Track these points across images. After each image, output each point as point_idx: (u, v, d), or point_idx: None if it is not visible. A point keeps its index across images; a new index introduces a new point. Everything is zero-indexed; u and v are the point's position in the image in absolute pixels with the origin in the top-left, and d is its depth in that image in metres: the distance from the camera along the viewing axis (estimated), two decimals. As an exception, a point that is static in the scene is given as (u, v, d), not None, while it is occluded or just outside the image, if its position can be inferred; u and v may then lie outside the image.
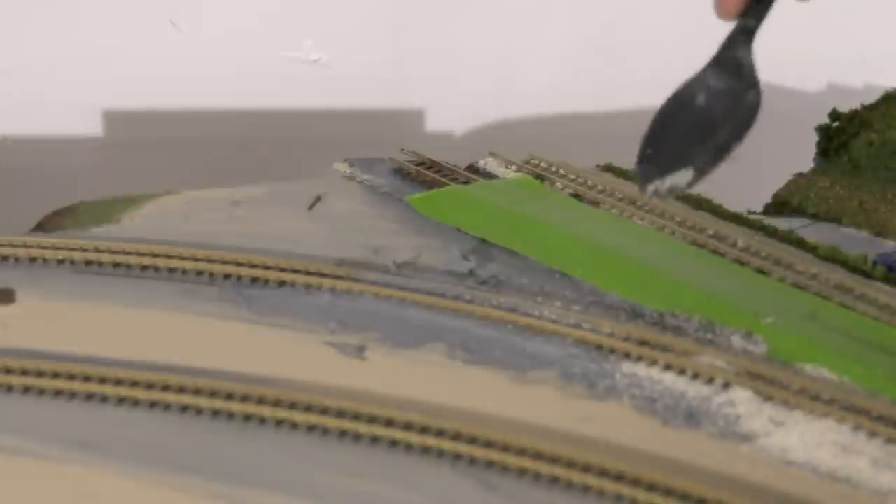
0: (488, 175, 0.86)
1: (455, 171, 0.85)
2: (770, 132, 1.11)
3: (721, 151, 0.58)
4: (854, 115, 0.95)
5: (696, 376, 0.59)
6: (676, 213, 0.79)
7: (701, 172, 0.58)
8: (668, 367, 0.60)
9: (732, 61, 0.57)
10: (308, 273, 0.67)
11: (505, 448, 0.52)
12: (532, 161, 0.87)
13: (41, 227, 0.75)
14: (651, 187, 0.59)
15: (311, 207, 0.79)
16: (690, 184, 0.59)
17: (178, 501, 0.50)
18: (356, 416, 0.54)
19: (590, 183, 0.84)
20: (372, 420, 0.54)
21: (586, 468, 0.51)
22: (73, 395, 0.56)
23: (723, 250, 0.74)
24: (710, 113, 0.58)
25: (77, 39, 1.12)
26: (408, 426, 0.54)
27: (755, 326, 0.63)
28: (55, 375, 0.56)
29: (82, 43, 1.12)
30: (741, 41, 0.56)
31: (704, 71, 0.58)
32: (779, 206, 0.99)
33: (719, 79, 0.58)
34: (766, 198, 1.01)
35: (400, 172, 0.85)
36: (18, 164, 1.13)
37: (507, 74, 1.29)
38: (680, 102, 0.59)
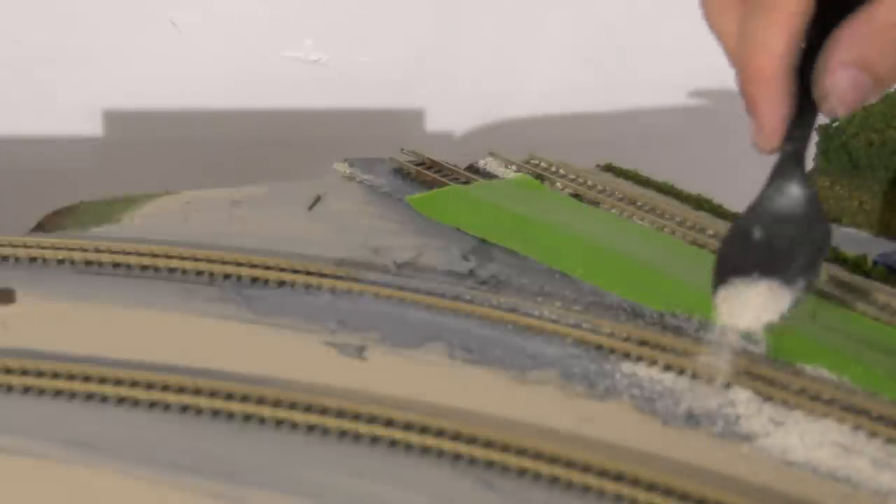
0: (488, 175, 0.86)
1: (455, 171, 0.85)
2: (770, 132, 1.11)
3: (797, 287, 0.56)
4: (854, 115, 0.95)
5: (696, 376, 0.59)
6: (676, 213, 0.79)
7: (785, 304, 0.56)
8: (668, 367, 0.60)
9: (787, 191, 0.54)
10: (308, 273, 0.67)
11: (505, 448, 0.52)
12: (532, 161, 0.87)
13: (41, 227, 0.75)
14: (740, 322, 0.57)
15: (311, 207, 0.79)
16: (778, 316, 0.57)
17: (178, 501, 0.50)
18: (356, 416, 0.54)
19: (590, 183, 0.84)
20: (372, 420, 0.54)
21: (586, 468, 0.51)
22: (73, 395, 0.56)
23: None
24: (773, 246, 0.55)
25: (77, 39, 1.12)
26: (408, 426, 0.54)
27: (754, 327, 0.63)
28: (55, 375, 0.56)
29: (82, 43, 1.12)
30: (792, 168, 0.53)
31: (759, 201, 0.55)
32: (779, 206, 0.99)
33: (777, 209, 0.54)
34: (766, 198, 1.01)
35: (400, 172, 0.85)
36: (18, 164, 1.13)
37: (507, 74, 1.29)
38: (740, 237, 0.56)
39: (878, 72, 0.48)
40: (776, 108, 0.50)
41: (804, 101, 0.51)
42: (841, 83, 0.48)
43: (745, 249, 0.56)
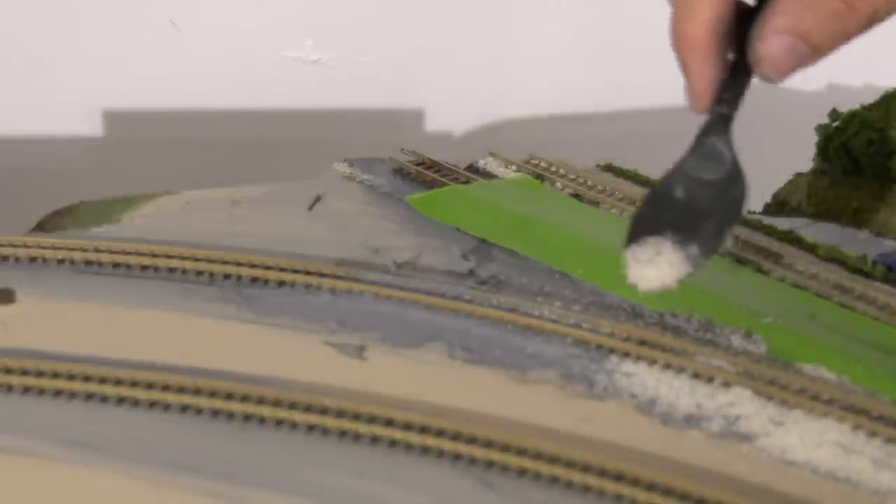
0: (488, 175, 0.86)
1: (455, 171, 0.85)
2: (770, 132, 1.11)
3: (707, 246, 0.56)
4: (854, 115, 0.95)
5: (696, 376, 0.59)
6: (676, 213, 0.79)
7: (692, 264, 0.57)
8: (667, 367, 0.60)
9: (711, 151, 0.56)
10: (308, 273, 0.67)
11: (505, 448, 0.52)
12: (532, 161, 0.88)
13: (41, 227, 0.75)
14: (650, 282, 0.58)
15: (311, 207, 0.79)
16: (680, 276, 0.57)
17: (178, 501, 0.50)
18: (356, 416, 0.54)
19: (590, 183, 0.84)
20: (372, 420, 0.54)
21: (586, 468, 0.51)
22: (73, 395, 0.56)
23: (723, 250, 0.74)
24: (692, 207, 0.57)
25: (77, 39, 1.12)
26: (408, 426, 0.54)
27: (755, 326, 0.63)
28: (55, 375, 0.56)
29: (82, 43, 1.12)
30: (718, 130, 0.54)
31: (682, 162, 0.56)
32: (779, 205, 0.99)
33: (699, 170, 0.56)
34: (766, 198, 1.01)
35: (400, 172, 0.85)
36: (18, 164, 1.13)
37: (507, 74, 1.29)
38: (660, 196, 0.57)
39: (813, 40, 0.49)
40: (705, 71, 0.52)
41: (740, 65, 0.52)
42: (775, 50, 0.50)
43: (663, 209, 0.57)
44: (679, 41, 0.52)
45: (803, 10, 0.49)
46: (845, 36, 0.49)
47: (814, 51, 0.50)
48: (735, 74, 0.53)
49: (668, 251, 0.57)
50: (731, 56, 0.53)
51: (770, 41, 0.50)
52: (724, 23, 0.51)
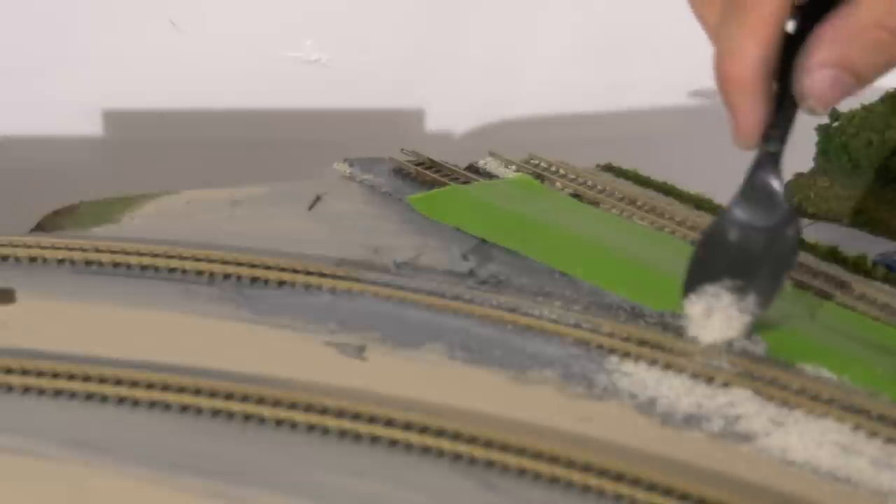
0: (488, 175, 0.86)
1: (455, 171, 0.85)
2: (770, 132, 1.11)
3: (768, 289, 0.56)
4: (854, 115, 0.95)
5: (696, 376, 0.59)
6: (676, 213, 0.79)
7: (755, 310, 0.56)
8: (667, 367, 0.60)
9: (762, 191, 0.54)
10: (308, 273, 0.67)
11: (505, 448, 0.52)
12: (532, 161, 0.88)
13: (41, 227, 0.75)
14: (711, 335, 0.57)
15: (311, 207, 0.79)
16: (745, 327, 0.57)
17: (178, 501, 0.50)
18: (356, 416, 0.54)
19: (590, 183, 0.84)
20: (372, 420, 0.54)
21: (586, 468, 0.51)
22: (73, 395, 0.56)
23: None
24: (747, 250, 0.56)
25: (77, 39, 1.12)
26: (408, 426, 0.54)
27: (755, 326, 0.63)
28: (55, 375, 0.56)
29: (82, 43, 1.12)
30: (768, 168, 0.54)
31: (733, 204, 0.56)
32: (779, 205, 0.99)
33: (750, 213, 0.55)
34: (766, 198, 1.01)
35: (400, 172, 0.85)
36: (18, 164, 1.13)
37: (507, 74, 1.29)
38: (713, 240, 0.56)
39: (858, 71, 0.49)
40: (752, 110, 0.51)
41: (784, 98, 0.51)
42: (820, 83, 0.49)
43: (718, 253, 0.57)
44: (725, 81, 0.50)
45: (848, 42, 0.48)
46: (891, 65, 0.49)
47: (859, 81, 0.49)
48: (780, 109, 0.52)
49: (726, 303, 0.57)
50: (774, 87, 0.52)
51: (816, 75, 0.49)
52: (772, 60, 0.50)
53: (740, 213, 0.55)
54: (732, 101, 0.51)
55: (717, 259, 0.57)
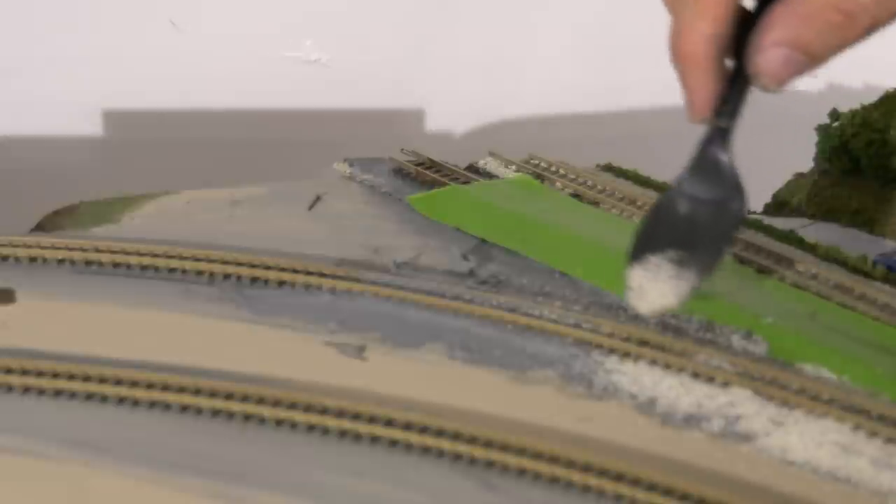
0: (488, 175, 0.86)
1: (455, 171, 0.85)
2: (770, 132, 1.11)
3: (709, 262, 0.56)
4: (854, 115, 0.95)
5: (696, 376, 0.59)
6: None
7: (694, 282, 0.57)
8: (668, 367, 0.60)
9: (710, 165, 0.55)
10: (308, 273, 0.67)
11: (505, 448, 0.52)
12: (532, 161, 0.87)
13: (41, 227, 0.75)
14: (649, 305, 0.58)
15: (311, 207, 0.79)
16: (682, 296, 0.57)
17: (178, 501, 0.50)
18: (356, 416, 0.54)
19: (590, 183, 0.84)
20: (372, 420, 0.54)
21: (586, 468, 0.51)
22: (73, 395, 0.56)
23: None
24: (693, 222, 0.56)
25: (77, 39, 1.12)
26: (408, 426, 0.54)
27: (755, 326, 0.63)
28: (55, 375, 0.56)
29: (82, 43, 1.12)
30: (718, 143, 0.54)
31: (681, 178, 0.56)
32: (779, 206, 0.99)
33: (698, 186, 0.56)
34: (766, 198, 1.01)
35: (400, 172, 0.85)
36: (18, 164, 1.13)
37: (507, 74, 1.29)
38: (661, 212, 0.57)
39: (811, 51, 0.49)
40: (704, 85, 0.52)
41: (738, 75, 0.52)
42: (773, 62, 0.50)
43: (665, 225, 0.57)
44: (678, 56, 0.52)
45: (801, 23, 0.49)
46: (844, 46, 0.50)
47: (812, 60, 0.50)
48: (733, 85, 0.53)
49: (667, 272, 0.57)
50: (729, 63, 0.53)
51: (768, 53, 0.50)
52: (724, 38, 0.51)
53: (688, 186, 0.56)
54: (685, 77, 0.52)
55: (662, 231, 0.57)
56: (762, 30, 0.50)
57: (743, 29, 0.51)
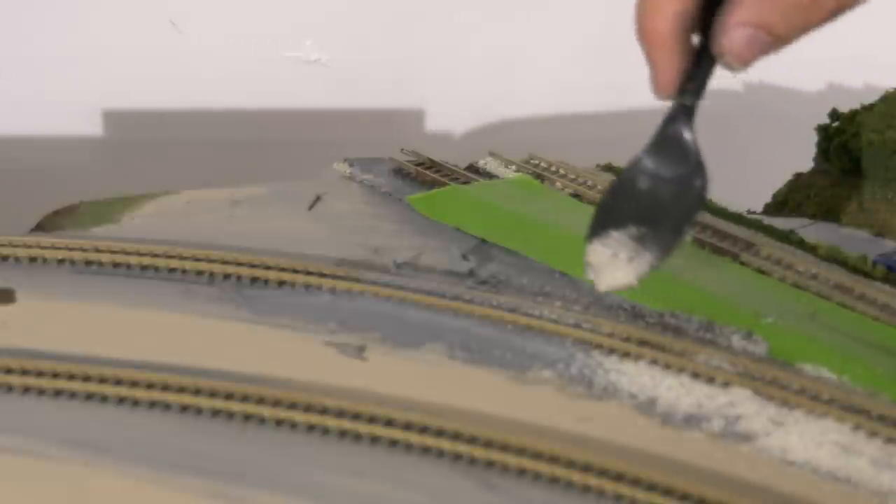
0: (488, 175, 0.86)
1: (455, 171, 0.85)
2: (770, 132, 1.11)
3: (670, 240, 0.56)
4: (854, 115, 0.95)
5: (696, 376, 0.59)
6: (676, 213, 0.79)
7: (654, 260, 0.57)
8: (668, 367, 0.60)
9: (673, 142, 0.56)
10: (308, 273, 0.67)
11: (505, 448, 0.52)
12: (532, 161, 0.87)
13: (41, 227, 0.75)
14: (607, 282, 0.58)
15: (311, 207, 0.79)
16: (642, 274, 0.57)
17: (178, 501, 0.50)
18: (356, 416, 0.54)
19: (590, 183, 0.84)
20: (372, 420, 0.54)
21: (586, 468, 0.51)
22: (73, 395, 0.56)
23: (723, 250, 0.74)
24: (655, 198, 0.56)
25: (77, 39, 1.12)
26: (408, 426, 0.54)
27: (755, 326, 0.63)
28: (55, 375, 0.56)
29: (82, 43, 1.12)
30: (681, 120, 0.55)
31: (644, 154, 0.56)
32: (779, 206, 0.99)
33: (661, 163, 0.56)
34: (766, 198, 1.01)
35: (400, 172, 0.85)
36: (18, 164, 1.13)
37: (507, 74, 1.29)
38: (623, 187, 0.57)
39: (776, 32, 0.50)
40: (669, 64, 0.52)
41: (704, 53, 0.52)
42: (738, 42, 0.50)
43: (626, 200, 0.57)
44: (644, 34, 0.52)
45: (766, 3, 0.50)
46: (809, 27, 0.50)
47: (777, 41, 0.50)
48: (699, 63, 0.53)
49: (627, 249, 0.57)
50: (695, 41, 0.53)
51: (733, 33, 0.50)
52: (689, 16, 0.51)
53: (650, 163, 0.56)
54: (650, 55, 0.53)
55: (623, 207, 0.57)
56: (727, 9, 0.50)
57: (709, 5, 0.52)
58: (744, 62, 0.51)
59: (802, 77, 1.21)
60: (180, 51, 1.16)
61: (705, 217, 0.80)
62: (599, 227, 0.58)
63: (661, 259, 0.57)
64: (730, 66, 0.52)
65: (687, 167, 0.55)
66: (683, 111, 0.54)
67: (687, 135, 0.55)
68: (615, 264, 0.57)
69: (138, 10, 1.14)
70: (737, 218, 0.81)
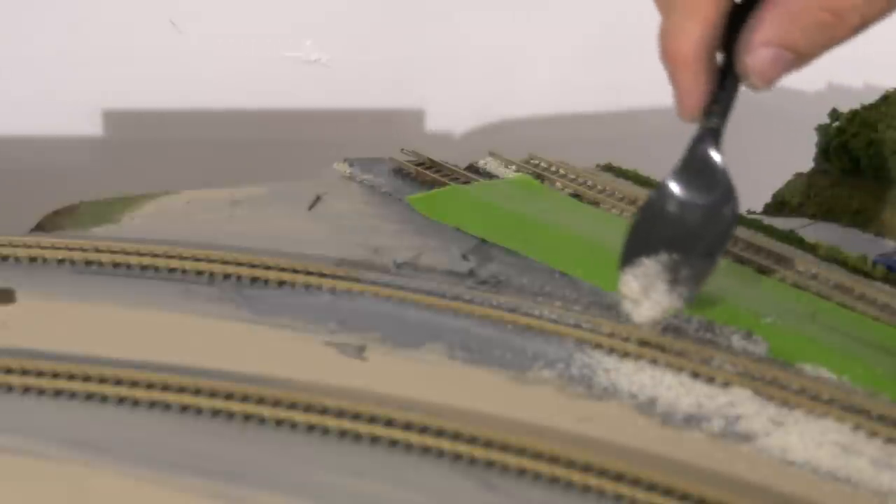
0: (488, 175, 0.86)
1: (455, 171, 0.85)
2: (770, 132, 1.11)
3: (703, 267, 0.56)
4: (854, 115, 0.95)
5: (695, 376, 0.59)
6: (676, 213, 0.79)
7: (688, 292, 0.56)
8: (668, 367, 0.60)
9: (701, 165, 0.55)
10: (308, 273, 0.67)
11: (505, 448, 0.52)
12: (532, 161, 0.88)
13: (41, 227, 0.75)
14: (645, 314, 0.57)
15: (311, 207, 0.79)
16: (678, 306, 0.57)
17: (178, 501, 0.50)
18: (356, 416, 0.54)
19: (590, 183, 0.84)
20: (372, 420, 0.54)
21: (586, 468, 0.51)
22: (73, 395, 0.56)
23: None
24: (685, 224, 0.56)
25: (77, 39, 1.12)
26: (408, 426, 0.54)
27: (755, 326, 0.63)
28: (55, 375, 0.56)
29: (82, 43, 1.12)
30: (708, 142, 0.54)
31: (671, 177, 0.56)
32: (779, 205, 0.99)
33: (689, 186, 0.55)
34: (766, 198, 1.01)
35: (400, 172, 0.85)
36: (18, 164, 1.13)
37: (507, 74, 1.29)
38: (652, 212, 0.56)
39: (800, 50, 0.50)
40: (694, 86, 0.52)
41: (728, 74, 0.52)
42: (761, 61, 0.50)
43: (656, 225, 0.56)
44: (668, 56, 0.52)
45: (790, 21, 0.49)
46: (832, 44, 0.50)
47: (800, 58, 0.50)
48: (723, 83, 0.53)
49: (661, 279, 0.57)
50: (719, 59, 0.53)
51: (757, 53, 0.50)
52: (714, 38, 0.51)
53: (678, 187, 0.55)
54: (675, 78, 0.52)
55: (653, 233, 0.56)
56: (751, 28, 0.50)
57: (732, 24, 0.51)
58: (768, 81, 0.51)
59: (802, 77, 1.21)
60: (180, 51, 1.16)
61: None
62: (631, 254, 0.57)
63: (695, 289, 0.56)
64: (754, 86, 0.52)
65: (716, 190, 0.55)
66: (710, 133, 0.54)
67: (715, 157, 0.54)
68: (651, 297, 0.57)
69: (138, 11, 1.14)
70: (737, 218, 0.81)
